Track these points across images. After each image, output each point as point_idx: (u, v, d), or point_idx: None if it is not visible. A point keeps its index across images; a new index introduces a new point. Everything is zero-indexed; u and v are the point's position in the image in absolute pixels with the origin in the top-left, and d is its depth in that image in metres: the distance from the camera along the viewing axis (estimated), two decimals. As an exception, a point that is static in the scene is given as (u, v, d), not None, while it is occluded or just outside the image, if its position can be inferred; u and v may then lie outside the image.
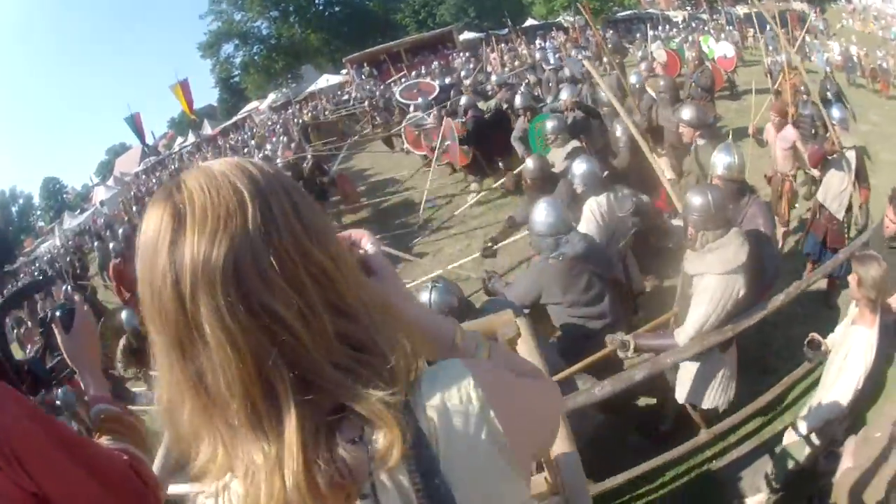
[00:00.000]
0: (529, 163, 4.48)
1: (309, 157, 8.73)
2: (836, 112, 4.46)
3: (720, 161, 3.28)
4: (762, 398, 3.16)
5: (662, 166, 3.92)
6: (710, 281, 2.64)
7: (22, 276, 16.73)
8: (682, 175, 4.60)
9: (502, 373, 0.72)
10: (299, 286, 0.55)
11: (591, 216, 3.73)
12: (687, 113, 4.18)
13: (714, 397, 2.96)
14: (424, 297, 2.70)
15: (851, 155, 4.20)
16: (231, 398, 0.54)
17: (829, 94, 6.36)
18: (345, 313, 0.59)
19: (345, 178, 9.01)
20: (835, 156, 4.19)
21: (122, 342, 5.17)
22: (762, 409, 3.19)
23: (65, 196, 32.15)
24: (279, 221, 0.56)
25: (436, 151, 8.01)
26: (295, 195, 0.60)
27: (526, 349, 1.75)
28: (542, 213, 3.16)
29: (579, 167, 3.90)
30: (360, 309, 0.60)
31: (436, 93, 9.48)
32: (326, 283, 0.58)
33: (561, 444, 1.54)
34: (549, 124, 5.20)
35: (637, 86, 6.49)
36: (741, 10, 17.01)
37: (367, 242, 0.76)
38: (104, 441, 1.19)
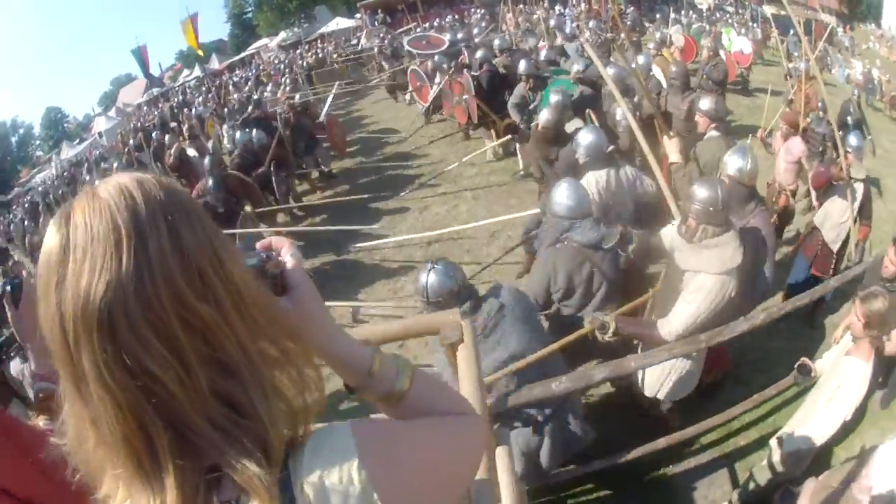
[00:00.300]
0: (546, 113, 4.40)
1: (297, 98, 8.53)
2: (853, 139, 4.25)
3: (733, 162, 3.13)
4: (730, 410, 3.07)
5: (672, 149, 3.75)
6: (705, 280, 2.55)
7: (15, 207, 16.65)
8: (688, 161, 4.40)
9: (401, 433, 0.68)
10: (173, 341, 0.53)
11: (588, 190, 3.53)
12: (706, 104, 4.06)
13: (673, 390, 2.89)
14: (423, 279, 2.49)
15: (859, 187, 4.00)
16: (118, 449, 0.55)
17: (849, 118, 6.01)
18: (224, 367, 0.57)
19: (333, 123, 8.70)
20: (840, 182, 3.96)
21: None
22: (728, 420, 3.11)
23: (66, 126, 31.74)
24: (154, 263, 0.53)
25: (449, 107, 7.74)
26: (181, 225, 0.56)
27: (466, 358, 1.61)
28: (564, 194, 3.00)
29: (585, 137, 3.72)
30: (242, 361, 0.57)
31: (444, 47, 9.12)
32: (205, 334, 0.55)
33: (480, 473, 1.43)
34: (553, 98, 5.08)
35: (644, 66, 6.22)
36: (768, 10, 16.62)
37: (286, 253, 0.71)
38: (41, 421, 1.21)
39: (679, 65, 5.84)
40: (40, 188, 16.86)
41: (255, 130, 7.10)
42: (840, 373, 2.38)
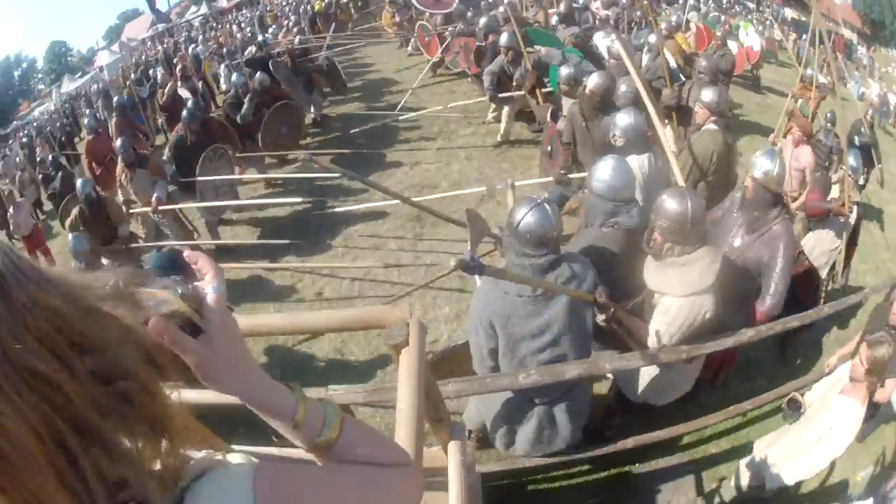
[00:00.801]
0: (597, 77, 4.18)
1: (296, 41, 8.45)
2: (851, 159, 4.03)
3: (760, 164, 2.86)
4: (704, 419, 2.98)
5: (668, 136, 3.52)
6: (669, 302, 2.34)
7: (11, 141, 16.38)
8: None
9: (311, 486, 0.64)
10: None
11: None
12: (708, 95, 3.83)
13: (654, 395, 2.78)
14: (522, 212, 2.21)
15: (853, 211, 3.81)
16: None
17: (857, 138, 5.43)
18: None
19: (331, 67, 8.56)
20: (840, 218, 3.74)
21: (74, 212, 5.02)
22: (700, 427, 3.03)
23: (69, 60, 30.98)
24: None
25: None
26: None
27: (408, 366, 1.47)
28: (607, 172, 2.70)
29: (623, 119, 3.46)
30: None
31: (453, 7, 8.75)
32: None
33: None
34: (564, 72, 4.93)
35: (653, 46, 5.97)
36: (789, 13, 16.10)
37: (208, 283, 0.62)
38: None
39: (709, 58, 5.56)
40: (35, 123, 16.49)
41: (258, 73, 6.82)
42: (833, 413, 2.31)
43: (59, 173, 7.33)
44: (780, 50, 12.51)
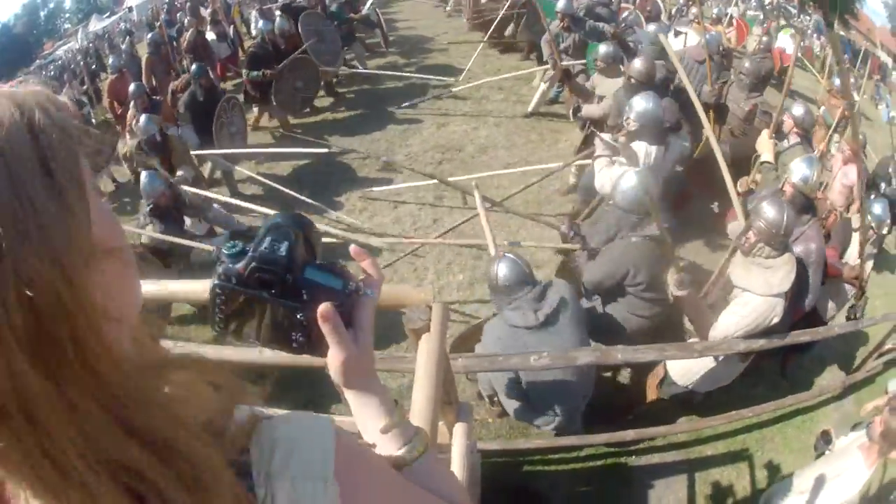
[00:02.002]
0: (638, 63, 4.10)
1: None
2: (877, 208, 3.58)
3: (799, 170, 3.05)
4: (704, 420, 3.02)
5: (766, 147, 3.56)
6: (749, 298, 2.57)
7: (34, 81, 16.29)
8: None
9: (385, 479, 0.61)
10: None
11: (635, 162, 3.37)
12: (798, 110, 3.96)
13: (703, 383, 2.93)
14: (494, 268, 2.58)
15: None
16: None
17: (883, 184, 4.78)
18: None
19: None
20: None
21: (130, 144, 4.89)
22: (698, 428, 3.08)
23: None
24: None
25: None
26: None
27: (428, 352, 1.47)
28: (630, 184, 2.84)
29: (640, 103, 3.43)
30: None
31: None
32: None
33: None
34: (603, 49, 4.75)
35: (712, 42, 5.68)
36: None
37: (371, 284, 0.64)
38: None
39: (753, 61, 5.45)
40: (60, 61, 16.24)
41: (278, 18, 6.57)
42: (845, 463, 2.32)
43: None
44: (815, 59, 12.22)
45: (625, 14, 7.15)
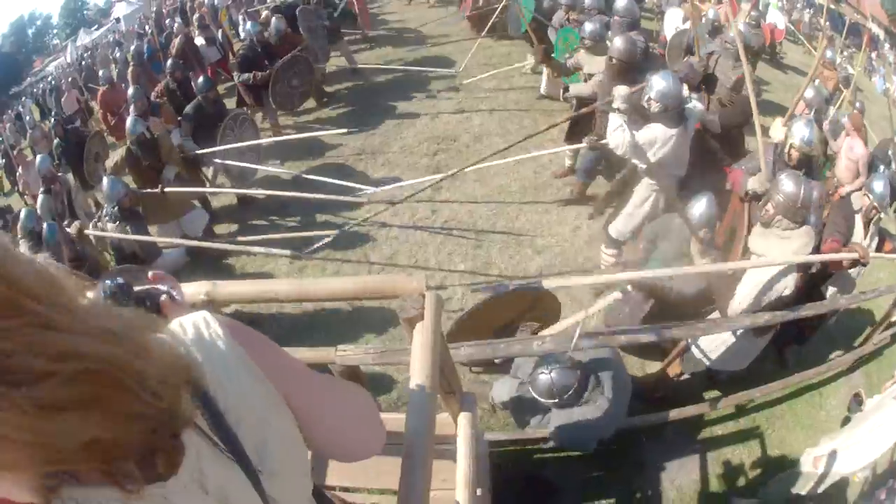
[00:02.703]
0: (619, 42, 3.99)
1: None
2: (878, 185, 3.29)
3: (798, 132, 3.08)
4: (712, 403, 3.00)
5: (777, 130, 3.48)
6: (762, 270, 2.66)
7: (24, 98, 16.14)
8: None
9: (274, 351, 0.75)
10: None
11: (652, 144, 3.32)
12: (810, 91, 4.06)
13: (723, 360, 2.94)
14: (545, 380, 2.38)
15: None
16: None
17: (882, 166, 4.61)
18: None
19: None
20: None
21: (119, 153, 4.95)
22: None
23: (85, 13, 30.31)
24: None
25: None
26: None
27: (423, 343, 1.41)
28: (703, 207, 2.96)
29: (660, 82, 3.26)
30: None
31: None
32: None
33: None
34: (589, 27, 4.60)
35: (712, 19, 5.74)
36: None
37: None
38: None
39: (740, 34, 5.38)
40: (50, 77, 16.15)
41: (273, 18, 6.42)
42: (881, 414, 2.44)
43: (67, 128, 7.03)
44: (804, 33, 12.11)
45: None
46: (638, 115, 3.42)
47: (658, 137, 3.28)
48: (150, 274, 0.81)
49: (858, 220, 3.25)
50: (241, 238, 4.45)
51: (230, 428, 0.61)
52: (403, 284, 1.55)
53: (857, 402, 2.83)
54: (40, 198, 5.27)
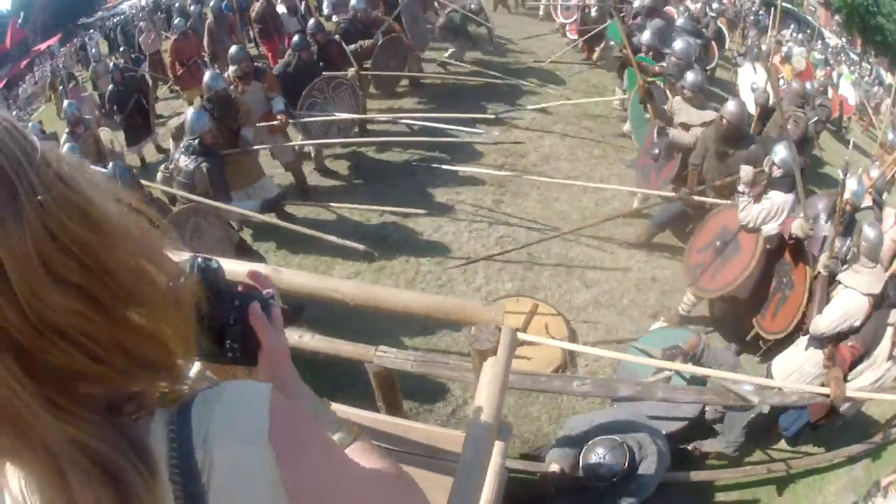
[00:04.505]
0: (731, 105, 4.05)
1: None
2: None
3: (850, 186, 3.49)
4: (722, 471, 3.13)
5: None
6: (848, 294, 3.03)
7: (91, 31, 16.26)
8: None
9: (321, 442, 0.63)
10: None
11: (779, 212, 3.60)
12: (853, 183, 3.69)
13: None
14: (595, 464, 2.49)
15: None
16: None
17: None
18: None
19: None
20: None
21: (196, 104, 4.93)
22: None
23: None
24: None
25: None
26: None
27: (492, 377, 1.47)
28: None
29: (783, 150, 3.60)
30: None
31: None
32: None
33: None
34: (691, 77, 4.52)
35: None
36: (889, 78, 14.86)
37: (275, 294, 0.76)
38: None
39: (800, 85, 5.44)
40: (122, 16, 16.10)
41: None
42: None
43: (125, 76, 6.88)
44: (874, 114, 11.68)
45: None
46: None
47: (780, 204, 3.55)
48: (246, 269, 0.79)
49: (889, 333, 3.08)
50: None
51: None
52: (480, 313, 1.58)
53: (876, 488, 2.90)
54: (64, 137, 5.31)
